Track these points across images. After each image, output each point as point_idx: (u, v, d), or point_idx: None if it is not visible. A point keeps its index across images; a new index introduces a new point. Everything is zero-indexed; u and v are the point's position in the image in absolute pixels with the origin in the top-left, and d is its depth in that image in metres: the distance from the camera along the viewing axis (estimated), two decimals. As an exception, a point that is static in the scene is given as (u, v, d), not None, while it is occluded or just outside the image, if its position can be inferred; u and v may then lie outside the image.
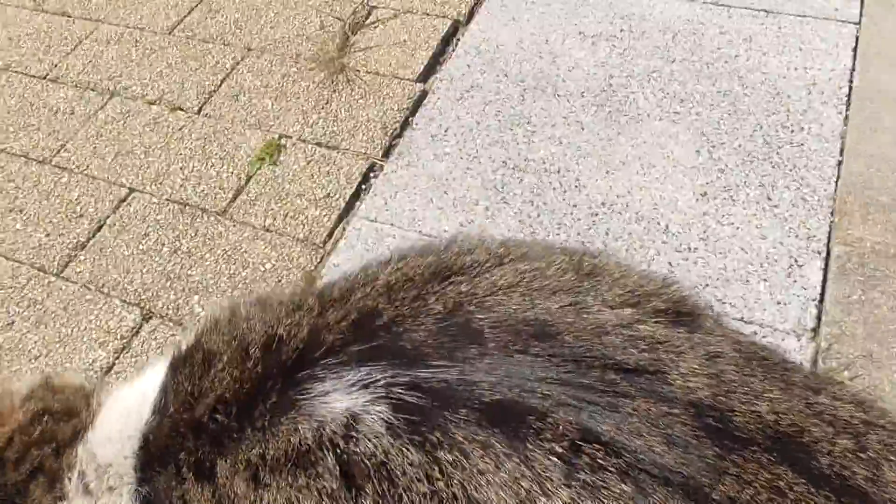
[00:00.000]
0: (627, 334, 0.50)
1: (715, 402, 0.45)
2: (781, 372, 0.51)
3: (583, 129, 1.70)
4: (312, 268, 1.55)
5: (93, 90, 2.05)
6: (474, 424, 0.47)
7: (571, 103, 1.76)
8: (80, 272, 1.64)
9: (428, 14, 2.05)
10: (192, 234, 1.66)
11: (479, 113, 1.78)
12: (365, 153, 1.75)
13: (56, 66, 2.15)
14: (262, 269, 1.57)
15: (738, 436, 0.44)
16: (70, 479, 0.70)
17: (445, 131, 1.76)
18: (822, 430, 0.45)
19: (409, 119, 1.81)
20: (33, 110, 2.03)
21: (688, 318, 0.55)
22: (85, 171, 1.84)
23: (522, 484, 0.44)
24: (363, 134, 1.79)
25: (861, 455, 0.44)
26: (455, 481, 0.46)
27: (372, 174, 1.72)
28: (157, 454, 0.64)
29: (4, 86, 2.12)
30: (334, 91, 1.90)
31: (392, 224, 1.60)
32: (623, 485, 0.42)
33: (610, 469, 0.43)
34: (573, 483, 0.43)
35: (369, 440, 0.50)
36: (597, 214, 1.54)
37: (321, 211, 1.65)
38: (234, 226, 1.66)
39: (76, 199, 1.79)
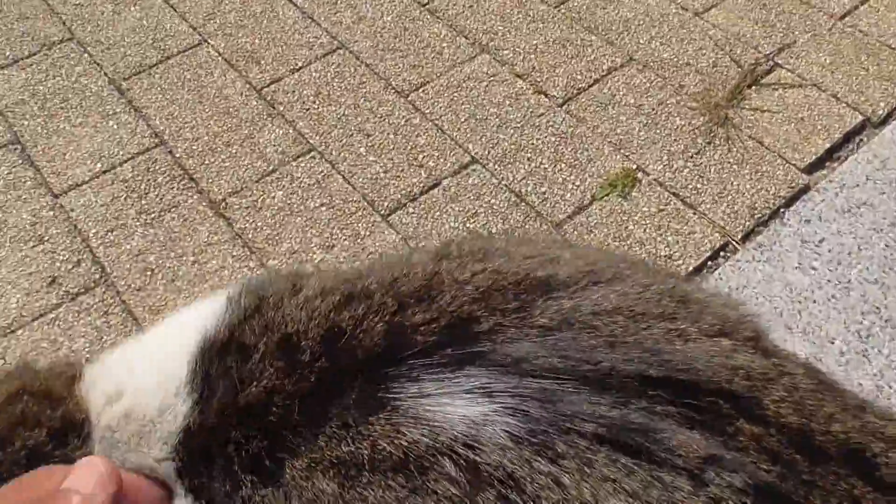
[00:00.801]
0: (725, 362, 0.53)
1: (800, 425, 0.51)
2: (840, 396, 0.56)
3: (984, 311, 1.46)
4: (632, 330, 1.45)
5: (465, 38, 2.03)
6: (599, 439, 0.48)
7: (980, 275, 1.51)
8: (404, 223, 1.64)
9: (837, 98, 1.82)
10: (521, 234, 1.60)
11: (865, 238, 1.57)
12: (723, 227, 1.60)
13: (438, -3, 2.14)
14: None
15: (821, 454, 0.50)
16: None
17: (819, 242, 1.57)
18: (878, 445, 0.52)
19: (782, 210, 1.63)
20: (405, 35, 2.05)
21: (769, 350, 0.58)
22: (436, 121, 1.83)
23: (652, 493, 0.47)
24: (727, 205, 1.64)
25: None
26: (585, 489, 0.47)
27: (723, 253, 1.57)
28: (200, 454, 0.58)
29: (386, 1, 2.14)
30: (709, 143, 1.75)
31: (730, 322, 1.46)
32: (745, 498, 0.47)
33: (733, 484, 0.47)
34: (700, 496, 0.46)
35: (495, 451, 0.49)
36: (972, 423, 1.31)
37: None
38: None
39: (420, 147, 1.78)
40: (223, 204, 1.70)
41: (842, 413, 0.54)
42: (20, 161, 1.81)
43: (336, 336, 0.57)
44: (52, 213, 1.70)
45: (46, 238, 1.65)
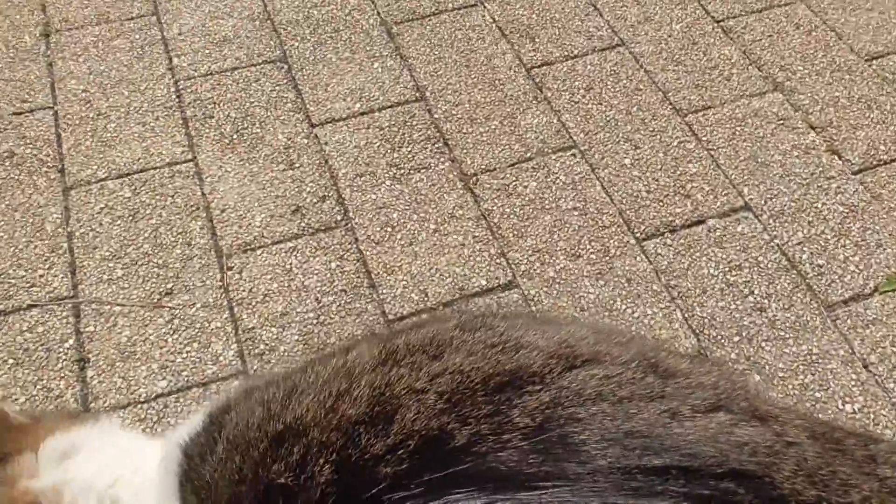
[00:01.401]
0: (729, 440, 0.49)
1: (818, 500, 0.47)
2: (847, 452, 0.52)
3: None
4: None
5: (759, 69, 1.89)
6: None
7: None
8: (659, 254, 1.55)
9: None
10: (786, 305, 1.48)
11: None
12: None
13: (735, 17, 2.01)
14: (839, 407, 1.36)
15: None
16: None
17: None
18: None
19: None
20: (692, 49, 1.93)
21: (765, 413, 0.54)
22: (712, 151, 1.73)
23: None
24: None
25: None
26: None
27: None
28: None
29: (677, 7, 2.03)
30: None
31: None
32: None
33: None
34: None
35: None
36: None
37: (937, 392, 1.38)
38: (832, 332, 1.45)
39: (690, 175, 1.68)
40: (474, 179, 1.67)
41: (856, 474, 0.51)
42: (284, 81, 1.84)
43: (274, 496, 0.50)
44: (306, 141, 1.73)
45: (297, 165, 1.68)
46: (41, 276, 1.48)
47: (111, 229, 1.56)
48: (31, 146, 1.68)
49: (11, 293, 1.45)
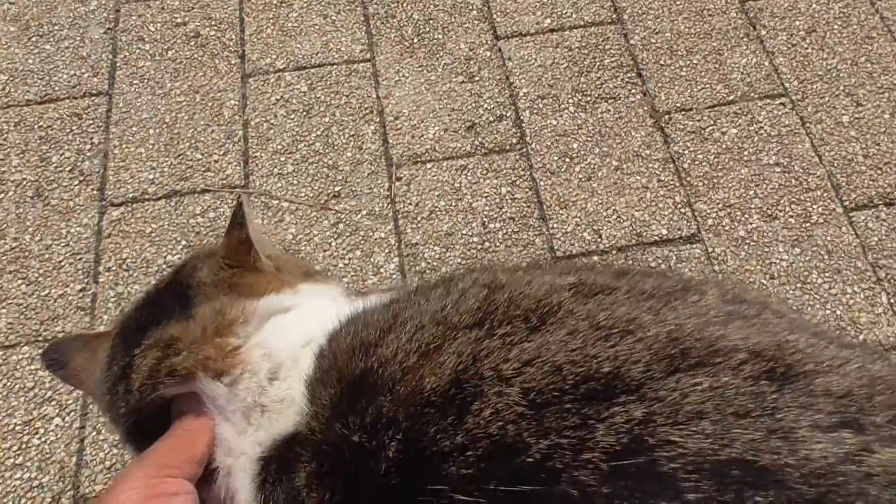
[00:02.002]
0: (856, 471, 0.41)
1: None
2: None
3: None
4: None
5: None
6: None
7: None
8: (870, 229, 1.41)
9: None
10: None
11: None
12: None
13: None
14: None
15: None
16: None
17: None
18: None
19: None
20: (943, -3, 1.70)
21: None
22: (949, 119, 1.53)
23: None
24: None
25: None
26: None
27: None
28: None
29: None
30: None
31: None
32: None
33: None
34: None
35: None
36: None
37: None
38: None
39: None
40: (666, 117, 1.56)
41: None
42: (473, -15, 1.77)
43: (345, 449, 0.49)
44: (488, 53, 1.66)
45: (477, 78, 1.62)
46: (216, 161, 1.52)
47: (285, 122, 1.57)
48: (215, 28, 1.71)
49: (188, 175, 1.50)
